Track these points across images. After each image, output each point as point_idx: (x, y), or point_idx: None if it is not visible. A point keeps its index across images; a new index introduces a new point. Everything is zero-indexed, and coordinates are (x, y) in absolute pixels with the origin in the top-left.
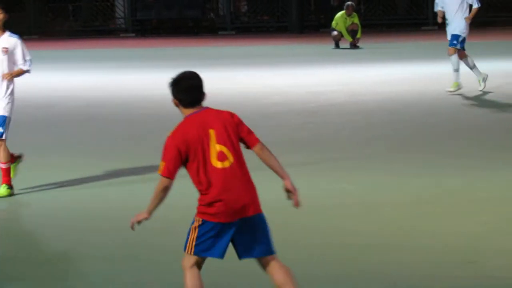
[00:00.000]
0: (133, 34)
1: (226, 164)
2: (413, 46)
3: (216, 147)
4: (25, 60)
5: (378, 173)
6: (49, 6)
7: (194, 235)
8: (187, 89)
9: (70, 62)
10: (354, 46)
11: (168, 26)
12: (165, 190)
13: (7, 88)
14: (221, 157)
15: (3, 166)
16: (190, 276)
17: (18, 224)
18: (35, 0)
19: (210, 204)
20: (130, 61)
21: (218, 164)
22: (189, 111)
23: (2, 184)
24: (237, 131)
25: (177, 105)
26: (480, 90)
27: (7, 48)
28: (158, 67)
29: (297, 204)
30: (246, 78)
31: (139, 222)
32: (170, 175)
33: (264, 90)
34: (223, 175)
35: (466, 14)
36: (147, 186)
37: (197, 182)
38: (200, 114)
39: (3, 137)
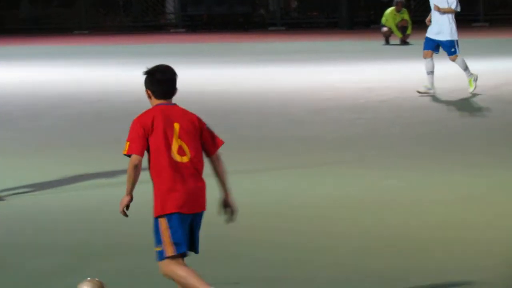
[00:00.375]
0: (183, 30)
1: (185, 159)
2: (463, 43)
3: (177, 141)
4: None
5: (428, 170)
6: (100, 1)
7: (167, 234)
8: (161, 81)
9: (120, 57)
10: (404, 42)
11: (218, 21)
12: (136, 168)
13: None
14: (181, 152)
15: None
16: (179, 268)
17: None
18: None
19: (168, 195)
20: (180, 57)
21: (178, 158)
22: (159, 102)
23: None
24: (200, 135)
25: (149, 96)
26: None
27: None
28: (208, 63)
29: (231, 221)
30: (296, 74)
31: (127, 208)
32: (137, 152)
33: (314, 86)
34: (181, 168)
35: (452, 16)
36: None
37: (155, 170)
38: (168, 107)
39: None
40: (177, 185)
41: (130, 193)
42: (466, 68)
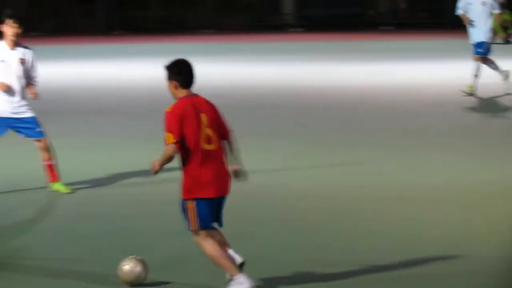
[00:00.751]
0: (301, 29)
1: (212, 147)
2: None
3: (205, 131)
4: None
5: None
6: (223, 1)
7: (193, 214)
8: (187, 71)
9: (242, 54)
10: (506, 41)
11: (333, 21)
12: (172, 158)
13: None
14: (209, 140)
15: (50, 162)
16: (208, 244)
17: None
18: None
19: (199, 182)
20: (298, 54)
21: (206, 146)
22: (184, 92)
23: (55, 181)
24: (220, 120)
25: (175, 87)
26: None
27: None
28: (325, 60)
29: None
30: (406, 71)
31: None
32: (177, 144)
33: (424, 82)
34: (210, 156)
35: (490, 19)
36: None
37: (186, 160)
38: (193, 98)
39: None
40: (205, 172)
41: (161, 167)
42: (476, 75)
